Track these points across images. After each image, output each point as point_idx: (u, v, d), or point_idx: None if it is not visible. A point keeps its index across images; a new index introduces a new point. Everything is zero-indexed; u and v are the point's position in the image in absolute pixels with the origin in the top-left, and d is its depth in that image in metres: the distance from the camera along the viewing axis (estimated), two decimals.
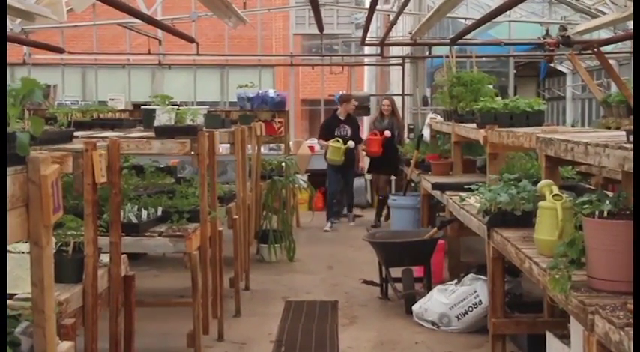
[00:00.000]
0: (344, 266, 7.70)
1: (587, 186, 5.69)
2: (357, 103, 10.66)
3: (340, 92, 14.12)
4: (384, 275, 6.32)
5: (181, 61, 13.53)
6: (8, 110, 2.08)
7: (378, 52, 12.58)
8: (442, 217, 7.32)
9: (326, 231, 9.69)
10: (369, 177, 11.50)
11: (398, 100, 13.77)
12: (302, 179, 9.58)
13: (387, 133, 9.92)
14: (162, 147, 4.66)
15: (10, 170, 1.97)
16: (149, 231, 4.55)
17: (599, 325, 2.46)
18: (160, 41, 12.76)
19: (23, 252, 3.03)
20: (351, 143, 9.58)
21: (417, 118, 12.42)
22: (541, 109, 5.36)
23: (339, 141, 9.49)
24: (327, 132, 9.85)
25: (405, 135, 12.15)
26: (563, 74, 15.35)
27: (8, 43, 10.27)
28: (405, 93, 12.82)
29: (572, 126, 11.10)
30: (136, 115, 8.31)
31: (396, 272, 6.17)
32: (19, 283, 3.02)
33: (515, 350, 4.78)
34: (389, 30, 11.15)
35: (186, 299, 4.95)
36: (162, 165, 7.05)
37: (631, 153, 2.52)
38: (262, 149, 8.65)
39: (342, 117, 9.95)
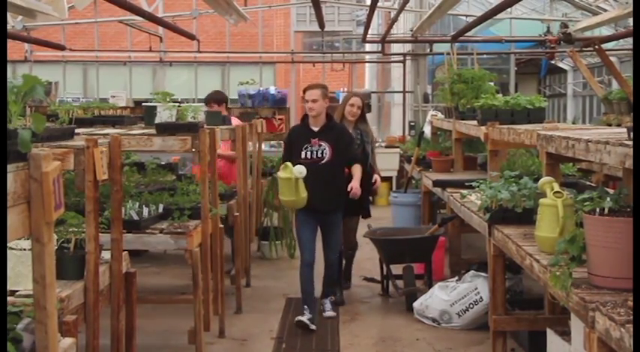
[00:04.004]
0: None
1: (588, 183, 5.69)
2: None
3: (342, 89, 14.14)
4: (384, 272, 6.33)
5: (182, 58, 13.54)
6: (10, 107, 2.08)
7: (379, 49, 12.59)
8: (443, 214, 7.32)
9: (329, 317, 5.72)
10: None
11: (399, 97, 13.78)
12: None
13: (377, 181, 6.37)
14: (163, 144, 4.67)
15: (11, 167, 1.97)
16: (150, 228, 4.55)
17: (600, 322, 2.46)
18: (161, 38, 12.78)
19: (25, 249, 3.04)
20: (299, 169, 5.29)
21: (418, 115, 12.43)
22: (542, 106, 5.36)
23: (288, 166, 5.37)
24: (289, 153, 5.70)
25: (408, 132, 12.15)
26: (564, 71, 15.37)
27: (10, 40, 10.29)
28: (406, 90, 12.83)
29: (573, 123, 11.10)
30: (137, 112, 8.32)
31: (396, 269, 6.17)
32: (21, 280, 3.03)
33: (516, 347, 4.79)
34: (390, 27, 11.15)
35: (188, 296, 4.96)
36: (163, 162, 7.06)
37: (632, 150, 2.52)
38: (263, 146, 8.66)
39: (315, 128, 5.65)
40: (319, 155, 5.60)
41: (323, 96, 5.65)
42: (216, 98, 7.15)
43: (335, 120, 5.91)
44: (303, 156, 5.57)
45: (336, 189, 5.63)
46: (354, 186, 5.65)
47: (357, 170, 5.76)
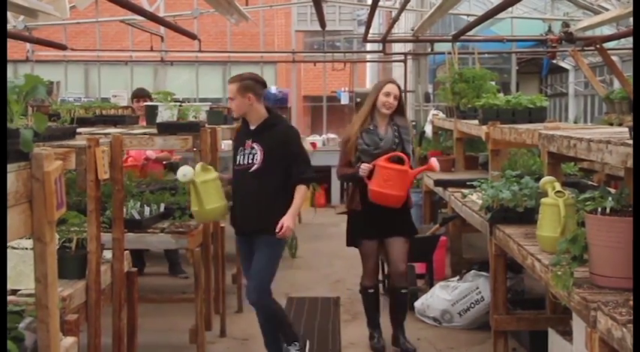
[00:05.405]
0: (346, 263, 7.70)
1: (590, 182, 5.69)
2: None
3: (343, 89, 14.14)
4: (386, 272, 6.33)
5: (184, 57, 13.54)
6: (12, 106, 2.09)
7: (380, 48, 12.58)
8: (444, 214, 7.32)
9: None
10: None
11: None
12: None
13: (434, 163, 4.83)
14: (164, 143, 4.68)
15: (13, 166, 1.98)
16: (152, 228, 4.56)
17: (601, 322, 2.46)
18: (162, 38, 12.77)
19: (27, 248, 3.04)
20: (183, 171, 4.30)
21: (420, 115, 12.42)
22: (543, 106, 5.36)
23: (192, 169, 4.36)
24: (234, 156, 4.61)
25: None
26: (566, 70, 15.35)
27: (11, 39, 10.29)
28: (408, 89, 12.82)
29: (575, 122, 11.09)
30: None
31: None
32: (23, 279, 3.03)
33: (518, 347, 4.79)
34: (391, 26, 11.13)
35: (189, 296, 4.97)
36: (164, 162, 7.06)
37: (633, 149, 2.51)
38: None
39: (252, 126, 4.51)
40: (249, 160, 4.41)
41: (241, 93, 4.39)
42: (147, 94, 7.17)
43: (279, 117, 4.66)
44: (237, 161, 4.48)
45: (266, 206, 4.34)
46: (285, 223, 4.26)
47: (298, 194, 4.36)
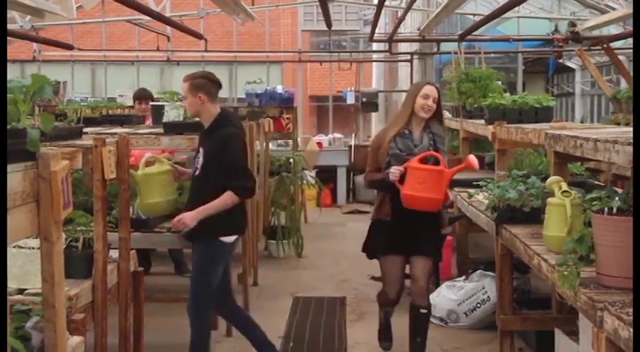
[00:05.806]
0: (352, 262, 7.70)
1: (597, 182, 5.67)
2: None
3: (350, 89, 14.15)
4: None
5: (190, 57, 13.56)
6: (19, 106, 2.10)
7: (386, 48, 12.57)
8: (450, 213, 7.31)
9: None
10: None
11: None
12: (310, 175, 9.60)
13: (473, 161, 4.36)
14: (171, 143, 4.70)
15: (20, 166, 1.98)
16: (158, 227, 4.56)
17: (608, 322, 2.45)
18: (168, 38, 12.80)
19: (33, 248, 3.05)
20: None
21: None
22: (550, 105, 5.35)
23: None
24: None
25: None
26: (572, 70, 15.30)
27: (18, 39, 10.33)
28: None
29: (582, 122, 11.06)
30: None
31: None
32: (30, 278, 3.04)
33: (524, 347, 4.78)
34: (397, 26, 11.12)
35: None
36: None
37: (632, 149, 2.51)
38: (271, 145, 8.66)
39: (205, 128, 4.30)
40: (196, 165, 4.22)
41: (192, 91, 4.20)
42: (149, 95, 6.99)
43: (225, 119, 4.25)
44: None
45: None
46: (181, 215, 4.04)
47: (219, 198, 4.02)
